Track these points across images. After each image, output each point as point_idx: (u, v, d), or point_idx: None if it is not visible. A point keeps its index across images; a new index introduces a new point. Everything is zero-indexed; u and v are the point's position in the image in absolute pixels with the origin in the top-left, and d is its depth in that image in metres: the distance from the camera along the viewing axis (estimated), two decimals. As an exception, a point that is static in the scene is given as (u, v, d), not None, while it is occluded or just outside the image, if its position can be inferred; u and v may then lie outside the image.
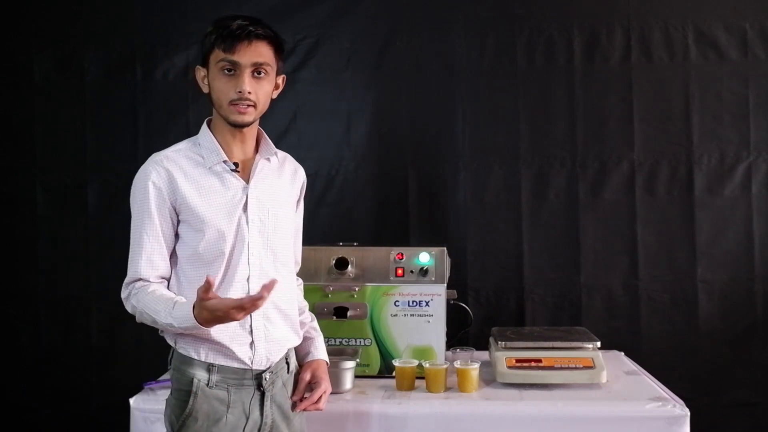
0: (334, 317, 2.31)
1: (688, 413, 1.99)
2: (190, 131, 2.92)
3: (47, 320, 3.02)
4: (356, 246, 2.41)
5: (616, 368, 2.39)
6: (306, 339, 1.91)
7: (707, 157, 2.91)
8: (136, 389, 2.13)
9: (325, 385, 1.84)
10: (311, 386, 1.84)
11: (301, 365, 1.89)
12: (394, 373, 2.22)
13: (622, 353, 2.64)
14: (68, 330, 3.02)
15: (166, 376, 2.26)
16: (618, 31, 2.93)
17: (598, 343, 2.27)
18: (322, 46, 2.97)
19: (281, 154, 1.87)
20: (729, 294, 2.89)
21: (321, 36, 2.98)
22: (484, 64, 2.97)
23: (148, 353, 2.91)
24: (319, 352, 1.91)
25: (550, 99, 2.96)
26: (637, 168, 2.92)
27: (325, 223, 2.94)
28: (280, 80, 1.77)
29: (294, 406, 1.81)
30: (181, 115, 2.99)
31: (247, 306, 1.49)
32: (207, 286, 1.49)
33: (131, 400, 2.07)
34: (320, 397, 1.81)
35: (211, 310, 1.51)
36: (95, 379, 3.00)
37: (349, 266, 2.35)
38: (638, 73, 2.93)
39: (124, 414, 2.08)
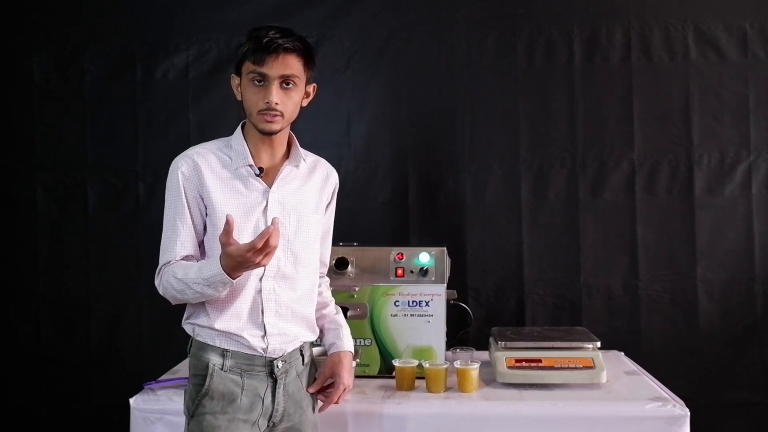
0: (334, 317, 2.31)
1: (688, 413, 1.98)
2: (190, 131, 2.98)
3: (47, 320, 3.02)
4: (356, 246, 2.41)
5: (616, 368, 2.38)
6: (330, 330, 1.95)
7: (707, 157, 2.91)
8: (136, 389, 2.13)
9: (344, 382, 1.87)
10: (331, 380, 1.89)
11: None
12: (394, 373, 2.22)
13: (622, 353, 2.63)
14: (68, 330, 3.02)
15: (166, 375, 2.26)
16: (618, 31, 2.93)
17: (598, 343, 2.27)
18: (322, 46, 2.97)
19: (313, 159, 1.91)
20: (729, 294, 2.89)
21: (321, 36, 2.98)
22: (484, 64, 2.97)
23: (148, 353, 2.94)
24: (344, 342, 1.93)
25: (550, 99, 2.96)
26: (637, 168, 2.92)
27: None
28: (310, 89, 1.82)
29: (313, 397, 1.86)
30: (181, 115, 2.99)
31: (259, 246, 1.53)
32: (227, 228, 1.55)
33: (131, 400, 2.07)
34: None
35: (233, 257, 1.57)
36: (95, 379, 3.00)
37: (349, 266, 2.35)
38: (638, 73, 2.93)
39: (124, 414, 2.08)
